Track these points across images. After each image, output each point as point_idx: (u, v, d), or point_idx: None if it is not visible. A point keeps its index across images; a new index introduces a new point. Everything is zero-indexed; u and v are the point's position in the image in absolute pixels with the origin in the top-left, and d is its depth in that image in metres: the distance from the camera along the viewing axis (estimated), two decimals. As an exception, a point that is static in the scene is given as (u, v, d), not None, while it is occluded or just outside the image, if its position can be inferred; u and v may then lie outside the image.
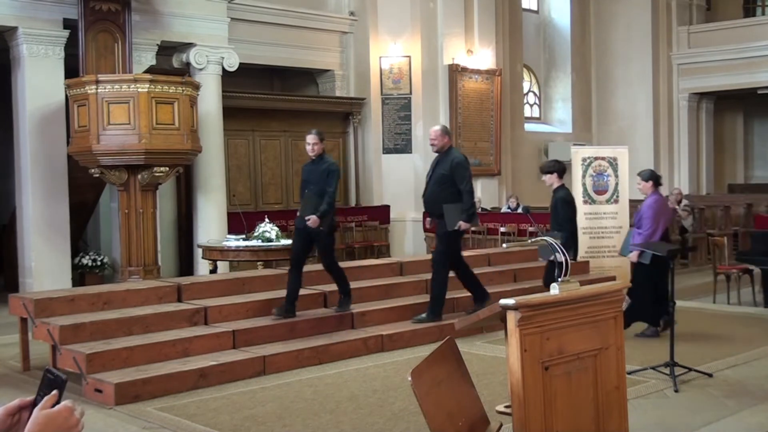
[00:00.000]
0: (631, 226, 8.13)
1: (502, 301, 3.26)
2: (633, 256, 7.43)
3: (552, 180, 7.65)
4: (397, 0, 14.21)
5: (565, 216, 7.48)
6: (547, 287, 7.46)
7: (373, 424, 5.11)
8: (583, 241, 10.36)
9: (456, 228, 7.45)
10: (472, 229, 12.98)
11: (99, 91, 8.82)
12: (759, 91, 18.50)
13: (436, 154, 7.71)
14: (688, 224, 13.72)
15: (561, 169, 7.66)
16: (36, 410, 1.45)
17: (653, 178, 7.70)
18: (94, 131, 8.85)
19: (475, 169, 14.84)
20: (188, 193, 11.71)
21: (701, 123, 19.61)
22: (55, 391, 1.48)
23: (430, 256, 8.38)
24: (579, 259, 10.03)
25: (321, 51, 14.29)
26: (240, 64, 11.60)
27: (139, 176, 9.11)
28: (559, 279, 3.45)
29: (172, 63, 11.28)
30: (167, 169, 9.24)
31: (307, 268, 8.15)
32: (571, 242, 7.27)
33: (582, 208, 10.45)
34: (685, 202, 14.23)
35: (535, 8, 19.07)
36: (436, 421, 3.06)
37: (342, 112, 14.33)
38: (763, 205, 15.50)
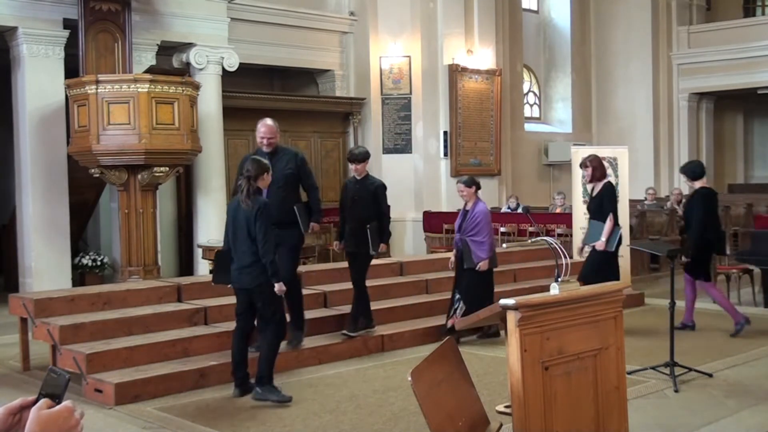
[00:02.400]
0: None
1: (502, 301, 3.27)
2: (483, 265, 7.28)
3: (365, 169, 7.22)
4: (397, 0, 14.21)
5: (385, 203, 7.26)
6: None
7: (373, 424, 5.11)
8: (583, 241, 10.36)
9: (308, 231, 6.71)
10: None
11: (99, 91, 8.82)
12: (759, 91, 18.51)
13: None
14: (688, 224, 13.70)
15: (369, 156, 7.40)
16: (33, 410, 1.45)
17: (476, 183, 7.56)
18: (94, 131, 8.85)
19: (475, 169, 14.86)
20: (188, 193, 11.71)
21: (701, 123, 19.62)
22: (47, 400, 1.48)
23: (430, 256, 8.35)
24: (579, 258, 10.04)
25: (321, 51, 14.29)
26: (240, 64, 11.60)
27: (139, 176, 9.11)
28: (559, 279, 3.45)
29: (172, 63, 11.27)
30: (167, 169, 9.24)
31: (306, 268, 8.15)
32: (387, 227, 7.25)
33: (582, 208, 10.44)
34: (684, 202, 14.22)
35: (535, 8, 19.07)
36: (436, 421, 3.06)
37: (342, 112, 14.33)
38: (763, 205, 15.49)
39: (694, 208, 7.99)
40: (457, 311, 7.31)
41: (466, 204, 7.58)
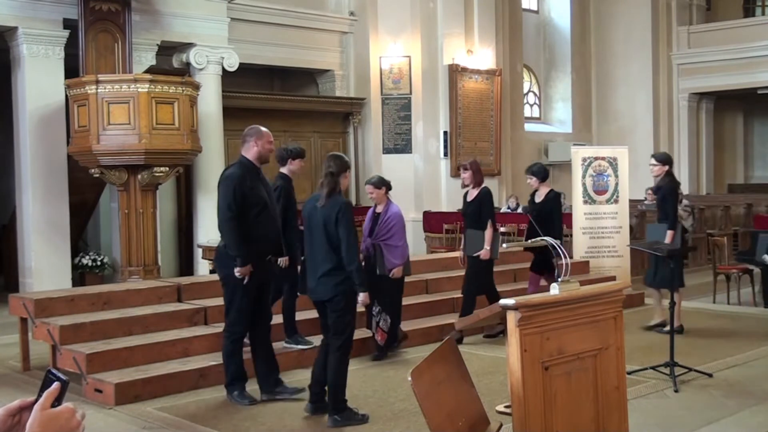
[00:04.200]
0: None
1: (502, 301, 3.26)
2: (397, 272, 6.88)
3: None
4: (397, 0, 14.21)
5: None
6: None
7: (373, 424, 5.11)
8: (583, 241, 10.37)
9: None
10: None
11: (99, 91, 8.83)
12: (759, 91, 18.52)
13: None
14: (688, 224, 13.71)
15: None
16: (36, 408, 1.45)
17: (386, 184, 7.02)
18: (94, 131, 8.85)
19: (475, 169, 14.87)
20: (188, 193, 11.71)
21: (701, 123, 19.62)
22: (56, 384, 1.47)
23: (430, 256, 8.28)
24: (579, 258, 10.04)
25: (321, 51, 14.29)
26: (240, 64, 11.60)
27: (139, 176, 9.12)
28: (559, 279, 3.45)
29: (172, 63, 11.28)
30: (167, 169, 9.24)
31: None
32: None
33: (582, 208, 10.45)
34: (685, 202, 14.21)
35: (535, 8, 19.07)
36: (436, 421, 3.06)
37: (342, 112, 14.33)
38: (763, 205, 15.50)
39: (552, 209, 8.03)
40: (380, 323, 6.84)
41: (375, 206, 7.08)
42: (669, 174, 7.81)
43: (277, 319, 6.23)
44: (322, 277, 5.08)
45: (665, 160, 7.89)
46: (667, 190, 7.74)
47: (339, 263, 5.05)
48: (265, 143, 5.63)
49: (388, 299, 6.84)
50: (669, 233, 7.58)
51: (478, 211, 7.49)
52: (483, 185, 7.65)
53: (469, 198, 7.65)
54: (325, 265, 5.06)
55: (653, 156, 8.07)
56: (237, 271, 5.41)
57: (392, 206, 6.98)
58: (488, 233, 7.42)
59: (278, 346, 6.42)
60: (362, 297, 5.15)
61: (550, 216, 7.99)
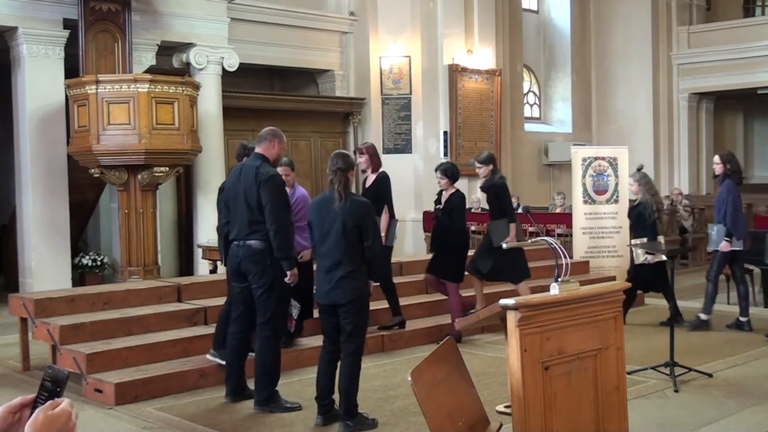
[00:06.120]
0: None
1: (502, 301, 3.27)
2: (306, 254, 6.34)
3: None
4: (397, 0, 14.21)
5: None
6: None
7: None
8: (583, 241, 10.38)
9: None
10: (473, 228, 12.97)
11: (99, 91, 8.83)
12: (759, 91, 18.51)
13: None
14: (688, 224, 13.73)
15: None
16: (40, 409, 1.46)
17: (290, 165, 6.61)
18: (94, 131, 8.86)
19: (475, 169, 14.89)
20: (188, 193, 11.71)
21: (701, 123, 19.62)
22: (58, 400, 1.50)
23: (430, 256, 8.23)
24: (579, 258, 10.04)
25: (321, 51, 14.29)
26: (240, 64, 11.60)
27: (139, 176, 9.12)
28: (559, 279, 3.45)
29: (172, 63, 11.28)
30: (167, 169, 9.25)
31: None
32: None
33: (582, 208, 10.47)
34: (685, 202, 14.24)
35: (535, 8, 19.07)
36: (436, 421, 3.06)
37: (342, 112, 14.33)
38: (763, 205, 15.49)
39: (457, 209, 7.76)
40: (293, 311, 6.46)
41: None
42: (495, 172, 7.81)
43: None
44: (341, 280, 4.87)
45: (487, 159, 7.84)
46: (499, 188, 7.78)
47: (358, 266, 4.90)
48: (283, 146, 5.66)
49: (300, 285, 5.96)
50: (512, 227, 7.63)
51: (375, 199, 6.99)
52: (381, 170, 7.32)
53: (368, 183, 7.36)
54: (344, 267, 4.86)
55: (475, 160, 8.02)
56: (289, 277, 5.32)
57: (298, 189, 6.68)
58: (384, 219, 7.03)
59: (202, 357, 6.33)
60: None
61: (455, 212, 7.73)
